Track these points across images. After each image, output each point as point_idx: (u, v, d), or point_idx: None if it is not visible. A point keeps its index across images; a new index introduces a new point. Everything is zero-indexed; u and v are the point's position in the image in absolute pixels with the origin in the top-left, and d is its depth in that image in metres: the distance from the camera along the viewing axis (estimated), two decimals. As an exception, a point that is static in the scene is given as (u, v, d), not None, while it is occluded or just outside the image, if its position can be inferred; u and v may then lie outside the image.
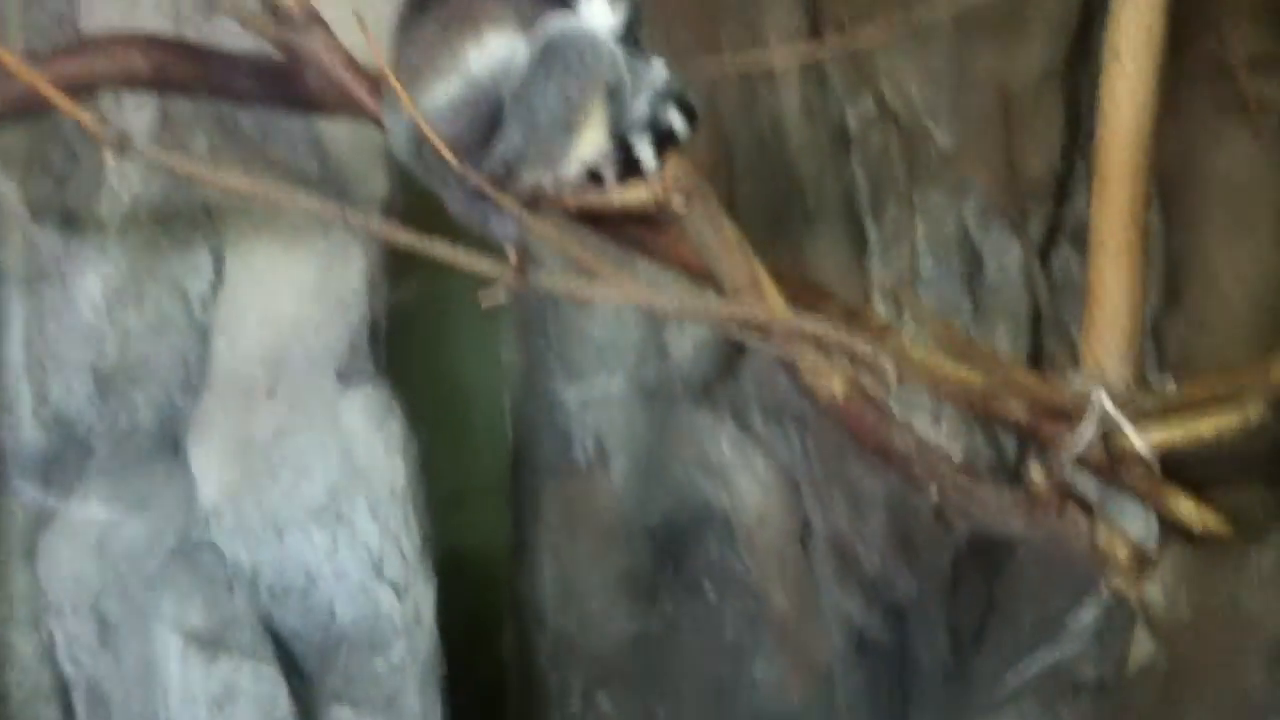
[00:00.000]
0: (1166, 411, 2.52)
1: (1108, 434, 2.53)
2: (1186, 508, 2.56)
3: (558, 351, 4.41)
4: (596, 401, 4.41)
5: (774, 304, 2.45)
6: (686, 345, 4.29)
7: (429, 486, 4.02)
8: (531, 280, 2.23)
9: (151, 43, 2.61)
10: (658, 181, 2.44)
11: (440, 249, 2.24)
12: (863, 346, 2.33)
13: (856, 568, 4.31)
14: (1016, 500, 2.56)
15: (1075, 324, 4.05)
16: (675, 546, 4.42)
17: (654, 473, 4.40)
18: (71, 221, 3.81)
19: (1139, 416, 2.51)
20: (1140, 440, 2.49)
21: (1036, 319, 4.12)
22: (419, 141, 2.39)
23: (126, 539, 3.85)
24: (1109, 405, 2.50)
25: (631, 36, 2.60)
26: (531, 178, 2.43)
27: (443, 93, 2.41)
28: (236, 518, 3.82)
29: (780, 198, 4.27)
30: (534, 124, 2.38)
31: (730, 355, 4.24)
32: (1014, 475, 3.77)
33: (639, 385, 4.35)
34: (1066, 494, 2.52)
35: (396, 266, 3.80)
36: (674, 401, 4.36)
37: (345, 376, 3.79)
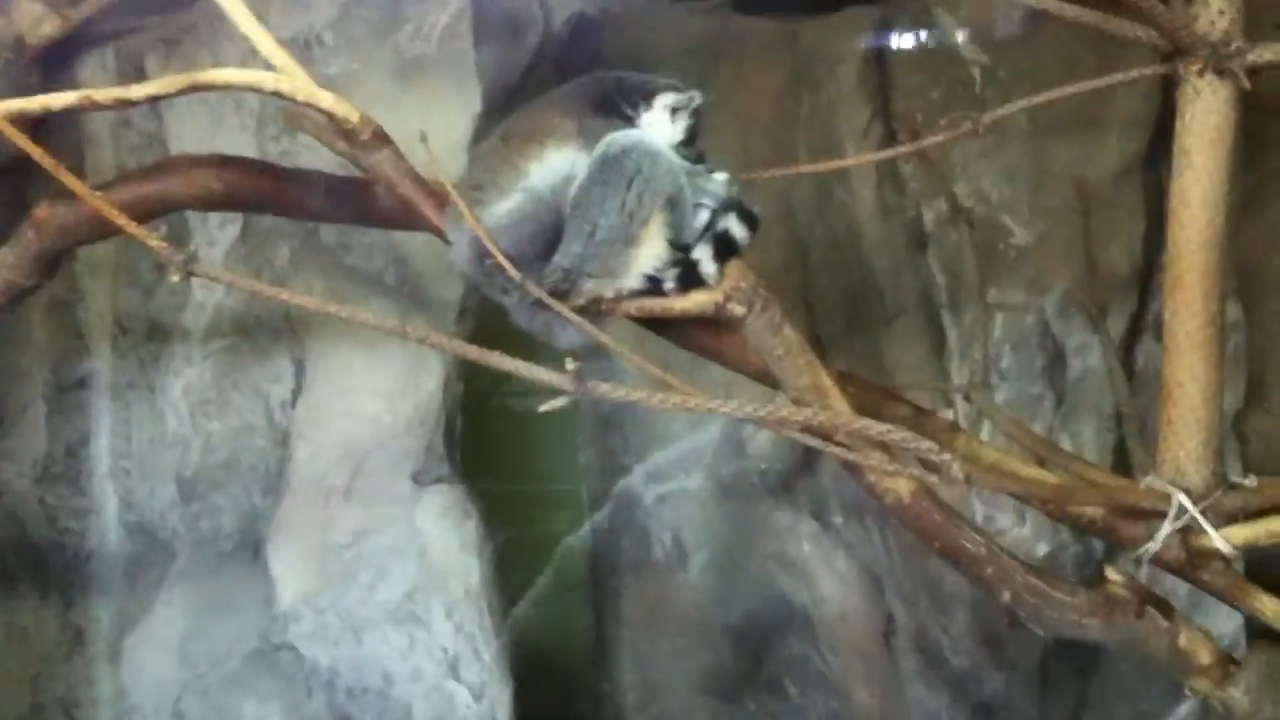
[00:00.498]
0: (1247, 511, 2.45)
1: (1187, 533, 2.47)
2: (1271, 607, 2.48)
3: (635, 449, 4.42)
4: (674, 498, 4.40)
5: (837, 407, 2.43)
6: (764, 442, 4.26)
7: (507, 586, 4.07)
8: (590, 389, 2.24)
9: (225, 163, 2.68)
10: (718, 289, 2.44)
11: (501, 360, 2.25)
12: (927, 448, 2.30)
13: (942, 664, 4.21)
14: (1093, 602, 2.50)
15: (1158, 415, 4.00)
16: (756, 644, 4.37)
17: (733, 570, 4.37)
18: (158, 331, 3.93)
19: (1219, 516, 2.44)
20: (1220, 540, 2.42)
21: (1120, 414, 4.03)
22: (481, 254, 2.42)
23: (207, 641, 3.92)
24: (1188, 504, 2.45)
25: (694, 146, 2.62)
26: (593, 288, 2.45)
27: (504, 207, 2.45)
28: (315, 619, 3.87)
29: (857, 296, 4.25)
30: (594, 237, 2.40)
31: (808, 451, 4.19)
32: (1100, 572, 3.71)
33: (717, 482, 4.34)
34: (1146, 595, 2.46)
35: (473, 368, 3.85)
36: (752, 498, 4.33)
37: (421, 478, 3.83)
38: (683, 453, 4.34)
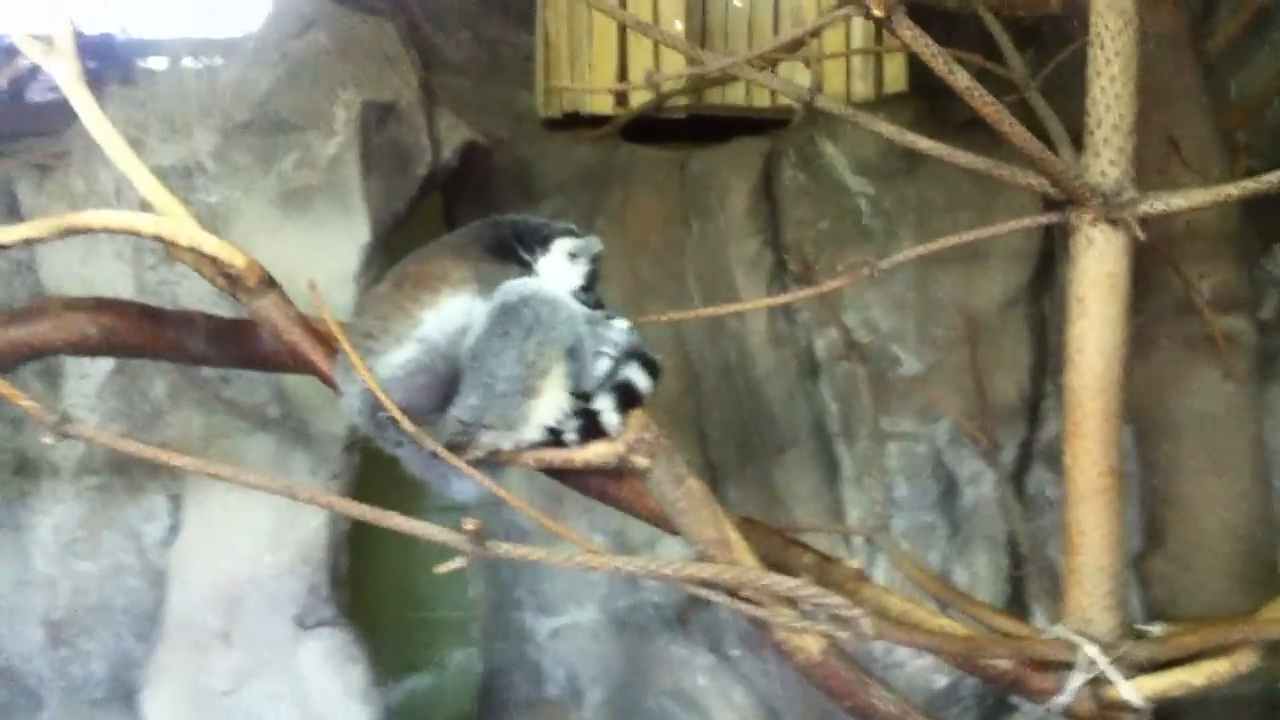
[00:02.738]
0: (1156, 660, 2.43)
1: (1097, 684, 2.44)
2: (1184, 760, 2.47)
3: (527, 583, 4.30)
4: (567, 633, 4.29)
5: (744, 561, 2.37)
6: (658, 574, 4.18)
7: (393, 726, 3.90)
8: (490, 550, 2.15)
9: (101, 306, 2.55)
10: (620, 440, 2.38)
11: (397, 519, 2.15)
12: (837, 603, 2.24)
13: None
14: (1011, 757, 2.46)
15: (1052, 544, 4.02)
16: (652, 786, 4.25)
17: (629, 705, 4.25)
18: (25, 467, 3.74)
19: (1129, 666, 2.42)
20: (1132, 691, 2.40)
21: (1014, 540, 4.05)
22: (373, 406, 2.33)
23: (76, 795, 3.70)
24: (1097, 656, 2.42)
25: (593, 291, 2.57)
26: (490, 441, 2.36)
27: (398, 357, 2.35)
28: (192, 772, 3.66)
29: (749, 424, 4.23)
30: (492, 388, 2.32)
31: (702, 584, 4.13)
32: (1001, 704, 3.68)
33: (611, 616, 4.24)
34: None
35: (358, 502, 3.73)
36: (647, 632, 4.24)
37: (304, 621, 3.66)
38: (575, 585, 4.24)
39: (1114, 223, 2.48)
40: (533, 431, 2.39)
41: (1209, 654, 2.38)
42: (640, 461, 2.38)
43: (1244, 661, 2.34)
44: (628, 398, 2.40)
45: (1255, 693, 2.78)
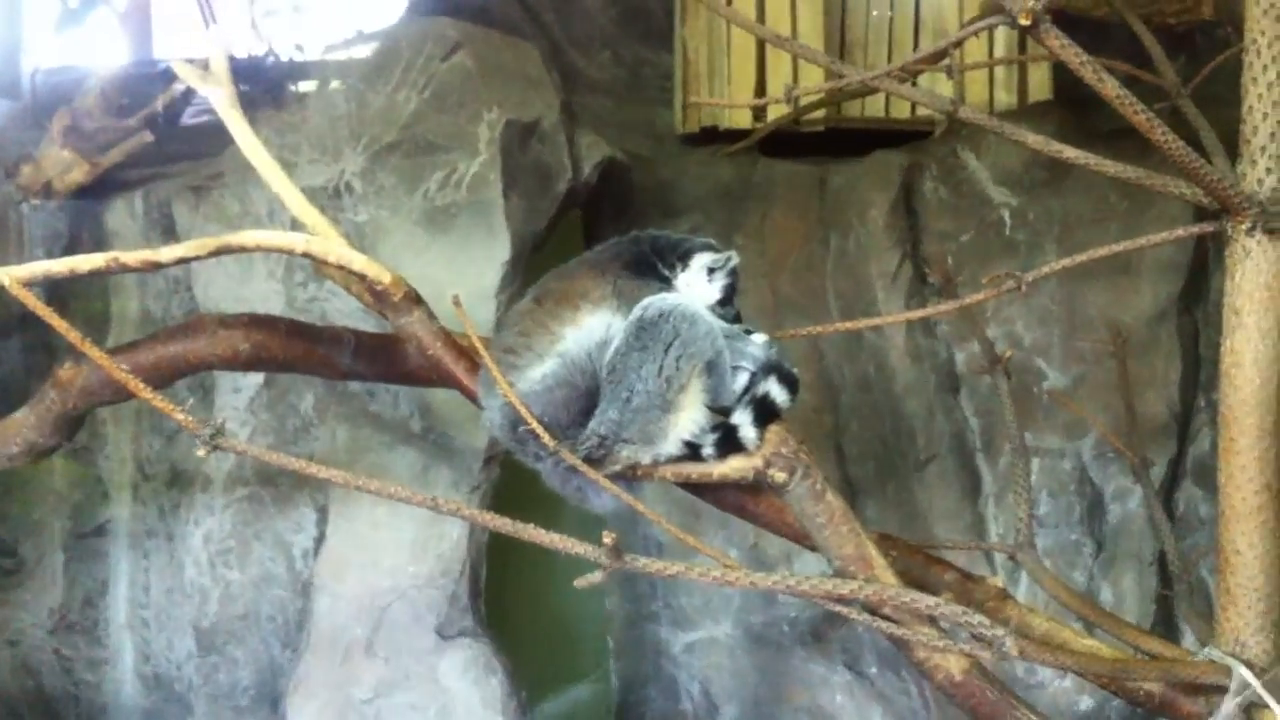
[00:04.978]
0: (1313, 687, 2.34)
1: (1250, 709, 2.36)
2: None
3: (663, 598, 4.30)
4: (703, 648, 4.28)
5: (884, 578, 2.34)
6: (795, 590, 4.15)
7: (529, 737, 3.94)
8: (628, 562, 2.15)
9: (253, 323, 2.63)
10: (758, 455, 2.37)
11: (536, 533, 2.17)
12: (979, 622, 2.20)
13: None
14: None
15: (1204, 564, 3.90)
16: (792, 802, 4.22)
17: (765, 723, 4.24)
18: (179, 479, 3.87)
19: (1283, 690, 2.34)
20: (1286, 717, 2.31)
21: (1162, 559, 3.93)
22: (514, 421, 2.36)
23: (226, 800, 3.80)
24: (1250, 678, 2.34)
25: (731, 306, 2.57)
26: (629, 455, 2.37)
27: (538, 372, 2.38)
28: (336, 778, 3.74)
29: (888, 440, 4.19)
30: (630, 403, 2.33)
31: (841, 600, 4.09)
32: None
33: (746, 631, 4.22)
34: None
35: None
36: (783, 647, 4.21)
37: (445, 632, 3.71)
38: (710, 600, 4.23)
39: (1271, 232, 2.39)
40: (670, 446, 2.39)
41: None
42: (779, 476, 2.36)
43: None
44: (766, 412, 2.39)
45: None
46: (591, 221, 4.25)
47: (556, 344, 2.39)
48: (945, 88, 4.17)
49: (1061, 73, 3.97)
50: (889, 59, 4.58)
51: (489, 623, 3.82)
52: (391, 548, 3.72)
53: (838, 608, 2.32)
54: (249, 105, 2.73)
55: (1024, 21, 2.09)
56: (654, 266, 2.51)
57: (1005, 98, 4.50)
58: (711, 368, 2.37)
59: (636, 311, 2.36)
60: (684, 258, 2.52)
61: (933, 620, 2.34)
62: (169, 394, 3.08)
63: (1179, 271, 4.01)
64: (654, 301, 2.36)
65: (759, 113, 4.45)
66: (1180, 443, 4.02)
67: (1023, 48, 4.44)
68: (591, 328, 2.40)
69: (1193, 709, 2.40)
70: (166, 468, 3.87)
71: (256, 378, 3.75)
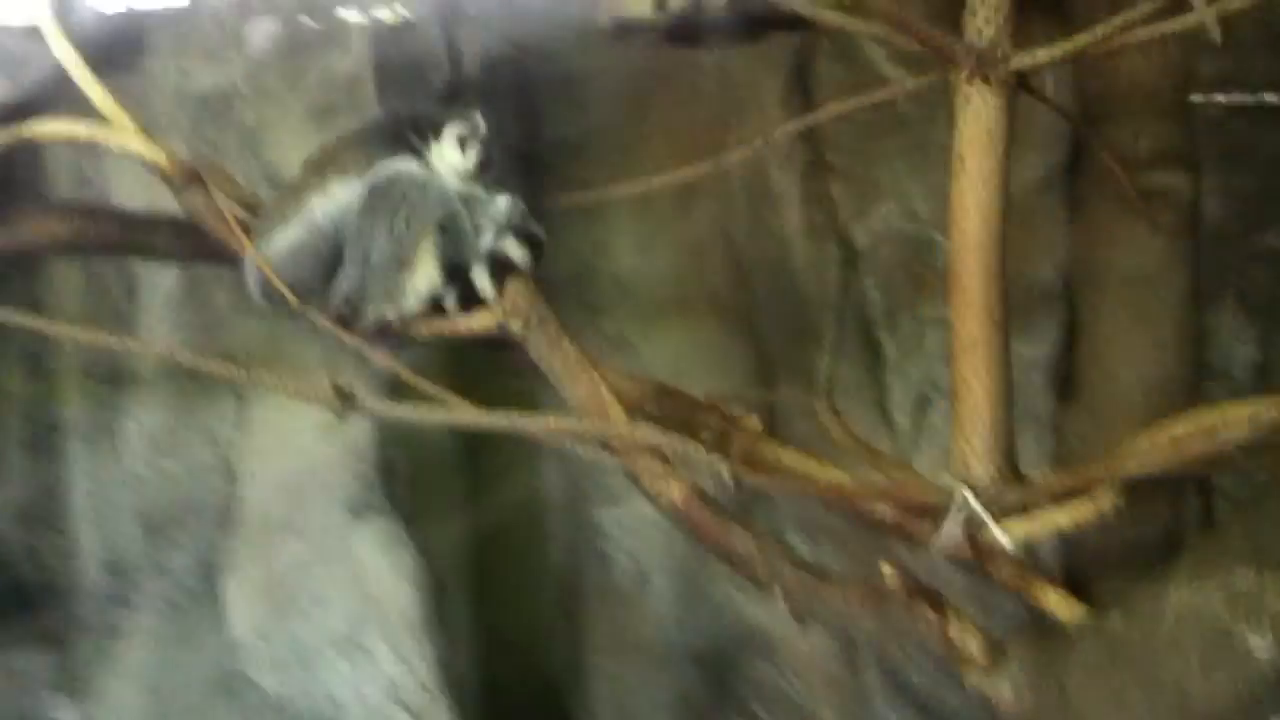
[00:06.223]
0: (1030, 504, 2.43)
1: (975, 528, 2.46)
2: (1054, 599, 2.45)
3: (594, 476, 4.47)
4: (633, 524, 4.44)
5: (614, 416, 2.50)
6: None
7: (463, 614, 4.16)
8: (360, 405, 2.35)
9: (73, 211, 2.86)
10: (497, 308, 2.53)
11: (265, 378, 2.37)
12: (697, 452, 2.37)
13: (905, 682, 4.19)
14: (862, 594, 2.51)
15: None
16: (721, 668, 4.38)
17: (695, 594, 4.39)
18: (116, 376, 4.15)
19: (1003, 511, 2.43)
20: (1002, 534, 2.41)
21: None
22: (265, 285, 2.56)
23: (170, 673, 4.10)
24: (970, 498, 2.44)
25: (490, 172, 2.72)
26: (375, 312, 2.56)
27: (284, 238, 2.58)
28: (267, 649, 4.02)
29: (795, 316, 4.28)
30: (368, 263, 2.52)
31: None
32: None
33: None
34: (914, 587, 2.45)
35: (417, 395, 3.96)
36: (710, 522, 4.35)
37: (356, 510, 3.95)
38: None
39: (990, 81, 2.47)
40: (412, 301, 2.58)
41: (1076, 498, 2.37)
42: (516, 326, 2.53)
43: (1105, 501, 2.31)
44: (502, 268, 2.55)
45: (1157, 537, 2.72)
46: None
47: (303, 211, 2.58)
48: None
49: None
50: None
51: (412, 502, 4.04)
52: (306, 430, 3.96)
53: (572, 444, 2.49)
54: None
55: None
56: (408, 139, 2.67)
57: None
58: (444, 227, 2.54)
59: (368, 179, 2.54)
60: (436, 129, 2.68)
61: (660, 453, 2.50)
62: (96, 285, 3.35)
63: (1063, 140, 4.00)
64: (385, 167, 2.54)
65: (661, 1, 4.52)
66: (1071, 307, 4.03)
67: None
68: (339, 196, 2.59)
69: (921, 530, 2.51)
70: (106, 367, 4.14)
71: (173, 277, 3.98)
